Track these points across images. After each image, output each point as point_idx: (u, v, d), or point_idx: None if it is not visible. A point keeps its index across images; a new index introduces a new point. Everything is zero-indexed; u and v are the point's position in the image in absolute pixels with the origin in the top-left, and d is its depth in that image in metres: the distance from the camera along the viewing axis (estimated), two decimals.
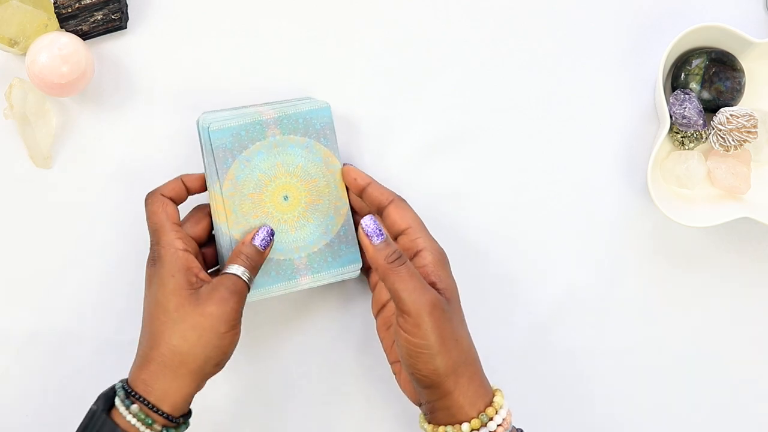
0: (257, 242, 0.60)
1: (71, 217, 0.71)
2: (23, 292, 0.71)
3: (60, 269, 0.71)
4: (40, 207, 0.70)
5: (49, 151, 0.70)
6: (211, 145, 0.62)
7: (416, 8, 0.71)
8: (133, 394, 0.56)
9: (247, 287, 0.59)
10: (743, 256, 0.71)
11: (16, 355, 0.71)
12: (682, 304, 0.71)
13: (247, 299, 0.60)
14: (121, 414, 0.55)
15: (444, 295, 0.58)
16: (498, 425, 0.56)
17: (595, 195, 0.71)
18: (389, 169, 0.71)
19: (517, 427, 0.59)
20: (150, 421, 0.55)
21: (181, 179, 0.63)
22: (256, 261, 0.60)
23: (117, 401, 0.56)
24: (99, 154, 0.71)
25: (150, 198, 0.62)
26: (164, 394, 0.56)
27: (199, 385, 0.58)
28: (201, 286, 0.58)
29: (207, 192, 0.64)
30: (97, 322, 0.71)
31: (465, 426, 0.55)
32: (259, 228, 0.61)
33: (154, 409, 0.55)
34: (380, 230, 0.57)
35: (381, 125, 0.71)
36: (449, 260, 0.61)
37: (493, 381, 0.60)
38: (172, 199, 0.62)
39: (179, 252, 0.59)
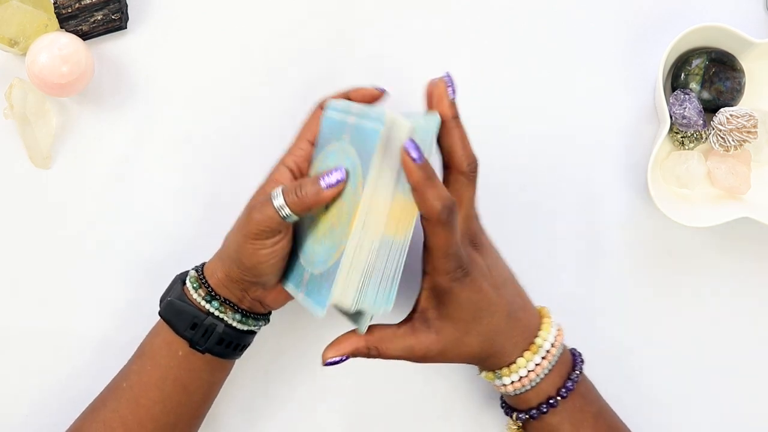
0: (323, 182, 0.54)
1: (71, 217, 0.71)
2: (23, 292, 0.71)
3: (60, 269, 0.71)
4: (39, 207, 0.71)
5: (49, 151, 0.70)
6: (320, 127, 0.61)
7: (416, 9, 0.71)
8: (200, 267, 0.62)
9: (283, 219, 0.55)
10: (743, 256, 0.71)
11: (16, 355, 0.71)
12: (682, 304, 0.71)
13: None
14: (186, 279, 0.61)
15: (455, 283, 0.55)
16: (546, 353, 0.59)
17: (595, 195, 0.71)
18: None
19: (570, 347, 0.62)
20: (197, 286, 0.60)
21: (347, 94, 0.61)
22: (309, 201, 0.54)
23: (190, 270, 0.62)
24: (99, 154, 0.71)
25: (314, 108, 0.62)
26: (211, 269, 0.61)
27: (234, 280, 0.59)
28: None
29: None
30: (97, 322, 0.71)
31: (519, 363, 0.58)
32: (336, 167, 0.55)
33: (202, 277, 0.60)
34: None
35: None
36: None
37: None
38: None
39: (282, 165, 0.60)
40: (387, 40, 0.71)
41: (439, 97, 0.56)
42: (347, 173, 0.55)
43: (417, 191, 0.51)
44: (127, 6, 0.70)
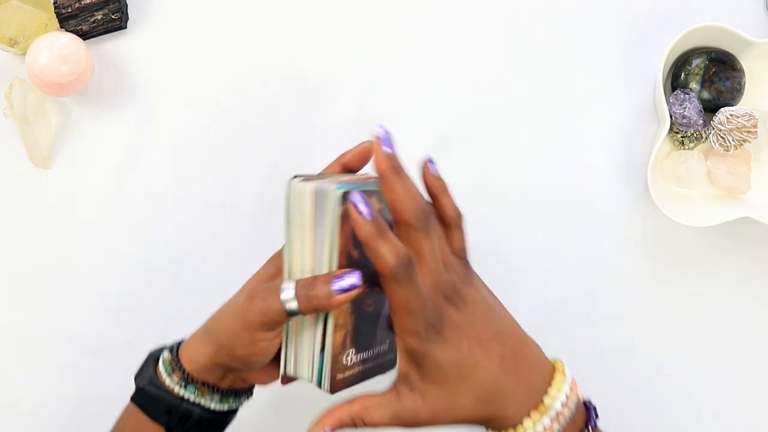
0: (335, 285, 0.50)
1: (71, 216, 0.71)
2: (23, 292, 0.71)
3: (59, 269, 0.71)
4: (39, 207, 0.71)
5: (49, 151, 0.70)
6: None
7: (416, 8, 0.71)
8: (175, 346, 0.58)
9: (286, 316, 0.51)
10: (743, 256, 0.71)
11: (16, 355, 0.71)
12: (683, 304, 0.71)
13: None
14: (159, 361, 0.57)
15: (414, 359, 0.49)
16: (557, 414, 0.50)
17: (595, 195, 0.71)
18: None
19: (585, 398, 0.54)
20: (170, 371, 0.56)
21: (339, 163, 0.58)
22: (321, 304, 0.50)
23: (164, 351, 0.58)
24: (99, 153, 0.71)
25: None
26: (188, 352, 0.56)
27: (217, 365, 0.55)
28: (268, 282, 0.55)
29: None
30: (96, 322, 0.71)
31: (526, 425, 0.50)
32: (349, 271, 0.50)
33: (176, 360, 0.56)
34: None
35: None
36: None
37: None
38: None
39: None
40: (387, 39, 0.71)
41: (371, 153, 0.52)
42: (362, 282, 0.50)
43: (369, 247, 0.46)
44: (127, 6, 0.70)
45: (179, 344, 0.57)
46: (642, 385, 0.71)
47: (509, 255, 0.71)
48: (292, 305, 0.50)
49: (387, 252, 0.46)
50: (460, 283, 0.52)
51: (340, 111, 0.71)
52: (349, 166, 0.57)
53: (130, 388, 0.72)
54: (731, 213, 0.66)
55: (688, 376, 0.71)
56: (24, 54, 0.68)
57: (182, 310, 0.71)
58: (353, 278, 0.50)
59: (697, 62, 0.67)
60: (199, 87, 0.71)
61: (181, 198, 0.71)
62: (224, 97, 0.71)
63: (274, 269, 0.57)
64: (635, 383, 0.71)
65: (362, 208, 0.47)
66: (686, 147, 0.69)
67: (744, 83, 0.68)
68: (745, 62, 0.68)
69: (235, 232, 0.71)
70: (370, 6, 0.71)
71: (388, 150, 0.49)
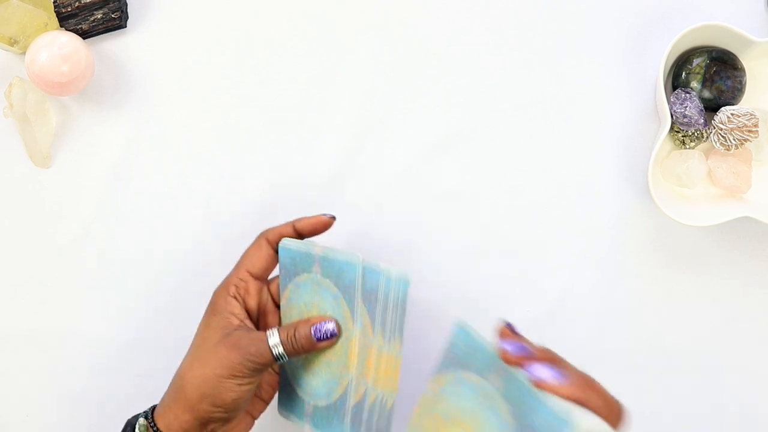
0: (313, 331, 0.56)
1: (70, 216, 0.71)
2: (22, 291, 0.71)
3: (59, 268, 0.71)
4: (39, 206, 0.70)
5: (49, 151, 0.70)
6: (263, 269, 0.61)
7: (416, 8, 0.71)
8: (150, 411, 0.59)
9: (274, 360, 0.56)
10: (744, 255, 0.71)
11: (16, 355, 0.71)
12: (682, 304, 0.71)
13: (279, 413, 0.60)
14: (136, 429, 0.58)
15: None
16: None
17: (596, 194, 0.71)
18: (390, 169, 0.71)
19: None
20: None
21: (293, 224, 0.60)
22: (302, 346, 0.56)
23: (140, 420, 0.58)
24: (99, 153, 0.71)
25: (256, 238, 0.61)
26: (164, 414, 0.57)
27: (198, 420, 0.56)
28: (238, 330, 0.57)
29: None
30: (96, 322, 0.71)
31: None
32: (326, 320, 0.56)
33: (153, 426, 0.57)
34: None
35: (381, 125, 0.71)
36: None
37: None
38: (276, 243, 0.60)
39: (229, 296, 0.59)
40: (387, 39, 0.71)
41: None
42: (338, 325, 0.56)
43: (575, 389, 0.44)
44: (126, 5, 0.70)
45: (153, 409, 0.58)
46: (642, 384, 0.71)
47: (509, 254, 0.71)
48: (280, 350, 0.55)
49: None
50: None
51: (340, 111, 0.71)
52: (300, 232, 0.60)
53: (130, 388, 0.72)
54: (732, 212, 0.66)
55: (688, 375, 0.71)
56: (24, 53, 0.68)
57: (182, 309, 0.71)
58: (330, 325, 0.56)
59: (698, 61, 0.67)
60: (199, 86, 0.71)
61: (181, 197, 0.71)
62: (224, 96, 0.71)
63: (228, 315, 0.58)
64: (635, 383, 0.71)
65: (509, 347, 0.46)
66: (687, 146, 0.69)
67: (745, 82, 0.68)
68: (746, 61, 0.68)
69: (235, 232, 0.71)
70: (371, 6, 0.71)
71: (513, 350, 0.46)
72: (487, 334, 0.49)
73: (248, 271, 0.60)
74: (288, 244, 0.60)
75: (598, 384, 0.46)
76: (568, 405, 0.43)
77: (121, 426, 0.60)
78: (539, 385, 0.44)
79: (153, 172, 0.71)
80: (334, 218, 0.60)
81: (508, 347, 0.46)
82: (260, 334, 0.56)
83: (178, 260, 0.71)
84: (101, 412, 0.71)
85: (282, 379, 0.62)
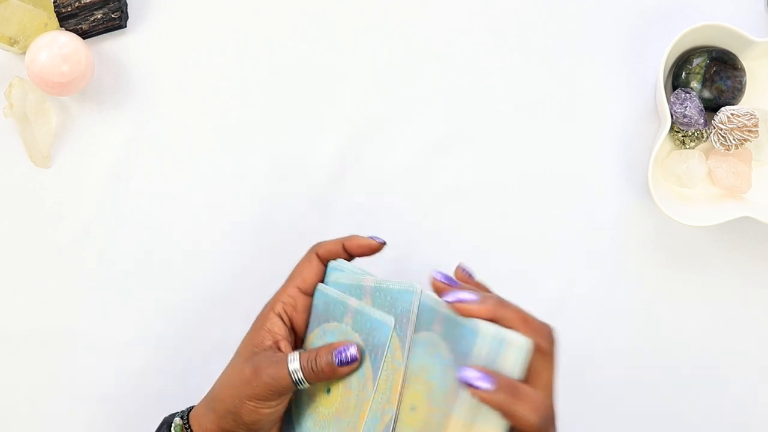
0: (335, 357, 0.53)
1: (70, 216, 0.71)
2: (22, 291, 0.71)
3: (60, 268, 0.71)
4: (39, 206, 0.70)
5: (49, 151, 0.70)
6: (313, 301, 0.59)
7: (416, 8, 0.71)
8: (186, 413, 0.59)
9: (294, 386, 0.54)
10: (744, 255, 0.71)
11: (16, 355, 0.71)
12: (683, 304, 0.71)
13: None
14: (172, 427, 0.58)
15: None
16: None
17: (596, 194, 0.71)
18: (390, 169, 0.71)
19: None
20: None
21: (342, 242, 0.58)
22: (323, 373, 0.53)
23: (176, 419, 0.58)
24: (99, 153, 0.71)
25: (307, 251, 0.60)
26: (198, 418, 0.57)
27: (225, 430, 0.56)
28: (266, 351, 0.56)
29: None
30: (97, 322, 0.71)
31: None
32: (347, 344, 0.53)
33: (187, 427, 0.57)
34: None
35: (381, 125, 0.71)
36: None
37: None
38: (326, 260, 0.59)
39: (273, 313, 0.58)
40: (387, 39, 0.71)
41: (468, 312, 0.47)
42: (362, 354, 0.53)
43: (505, 414, 0.44)
44: (126, 5, 0.70)
45: (190, 410, 0.58)
46: (642, 384, 0.71)
47: (509, 254, 0.71)
48: (300, 375, 0.53)
49: (528, 412, 0.44)
50: None
51: (340, 111, 0.71)
52: (348, 251, 0.58)
53: (130, 388, 0.72)
54: (732, 212, 0.66)
55: (688, 375, 0.71)
56: (24, 53, 0.68)
57: (182, 309, 0.71)
58: (352, 350, 0.53)
59: (698, 61, 0.67)
60: (199, 86, 0.71)
61: (181, 197, 0.71)
62: (224, 96, 0.71)
63: (264, 333, 0.57)
64: (635, 383, 0.71)
65: (480, 383, 0.44)
66: (687, 146, 0.69)
67: (745, 82, 0.68)
68: (746, 61, 0.68)
69: (235, 232, 0.71)
70: (371, 6, 0.71)
71: (474, 299, 0.47)
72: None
73: (298, 287, 0.59)
74: (324, 289, 0.58)
75: (516, 305, 0.48)
76: (497, 327, 0.45)
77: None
78: (457, 307, 0.46)
79: (153, 172, 0.71)
80: (384, 243, 0.58)
81: (437, 275, 0.49)
82: (282, 357, 0.54)
83: (178, 260, 0.71)
84: (101, 412, 0.71)
85: (287, 416, 0.59)
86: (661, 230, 0.71)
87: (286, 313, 0.58)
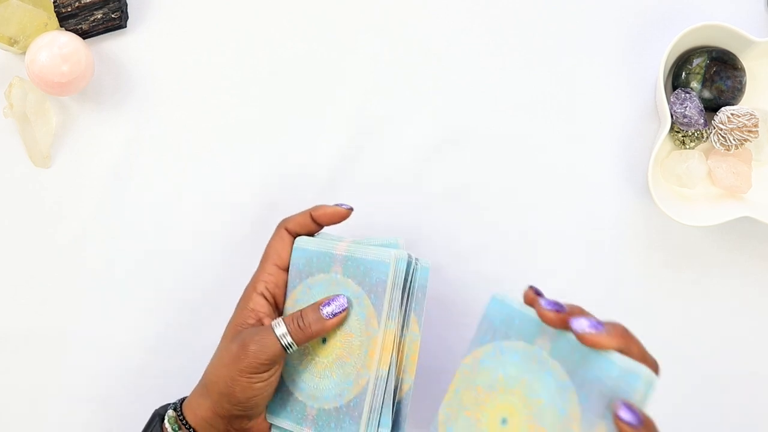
0: (325, 311, 0.55)
1: (70, 216, 0.71)
2: (22, 291, 0.71)
3: (59, 268, 0.71)
4: (39, 206, 0.70)
5: (49, 151, 0.70)
6: (290, 261, 0.60)
7: (416, 8, 0.71)
8: (179, 403, 0.59)
9: (284, 351, 0.55)
10: (744, 255, 0.71)
11: (16, 355, 0.71)
12: (683, 303, 0.71)
13: (266, 419, 0.59)
14: (165, 419, 0.58)
15: None
16: None
17: (596, 194, 0.71)
18: (390, 169, 0.71)
19: None
20: (177, 428, 0.57)
21: (309, 213, 0.59)
22: (313, 330, 0.55)
23: (169, 411, 0.58)
24: (99, 153, 0.71)
25: (276, 228, 0.60)
26: (192, 407, 0.58)
27: (220, 417, 0.56)
28: (250, 328, 0.57)
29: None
30: (96, 322, 0.71)
31: None
32: (335, 296, 0.55)
33: (181, 417, 0.57)
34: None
35: (381, 125, 0.71)
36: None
37: None
38: (296, 234, 0.60)
39: (255, 293, 0.59)
40: (387, 39, 0.71)
41: (595, 343, 0.46)
42: (349, 302, 0.55)
43: None
44: (126, 5, 0.70)
45: (182, 401, 0.59)
46: None
47: (509, 254, 0.71)
48: (288, 339, 0.54)
49: None
50: None
51: (340, 111, 0.71)
52: (317, 221, 0.59)
53: (130, 387, 0.72)
54: (732, 212, 0.66)
55: (688, 375, 0.71)
56: (24, 53, 0.68)
57: (182, 309, 0.71)
58: (341, 299, 0.54)
59: (698, 61, 0.67)
60: (199, 86, 0.71)
61: (181, 197, 0.71)
62: (224, 96, 0.71)
63: (247, 312, 0.58)
64: None
65: (634, 421, 0.43)
66: (687, 146, 0.69)
67: (745, 82, 0.68)
68: (746, 61, 0.68)
69: (235, 232, 0.71)
70: (371, 6, 0.71)
71: (561, 309, 0.47)
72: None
73: (276, 265, 0.59)
74: (304, 244, 0.59)
75: (632, 333, 0.47)
76: (627, 359, 0.44)
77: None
78: (582, 338, 0.45)
79: (153, 172, 0.71)
80: (351, 209, 0.59)
81: (545, 304, 0.47)
82: (267, 327, 0.56)
83: (178, 260, 0.71)
84: (101, 412, 0.71)
85: (281, 387, 0.60)
86: (661, 230, 0.70)
87: (268, 290, 0.59)
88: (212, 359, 0.58)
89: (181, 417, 0.57)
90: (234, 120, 0.71)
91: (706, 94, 0.67)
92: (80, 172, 0.71)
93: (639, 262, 0.71)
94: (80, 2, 0.68)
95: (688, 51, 0.68)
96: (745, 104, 0.68)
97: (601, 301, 0.71)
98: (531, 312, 0.49)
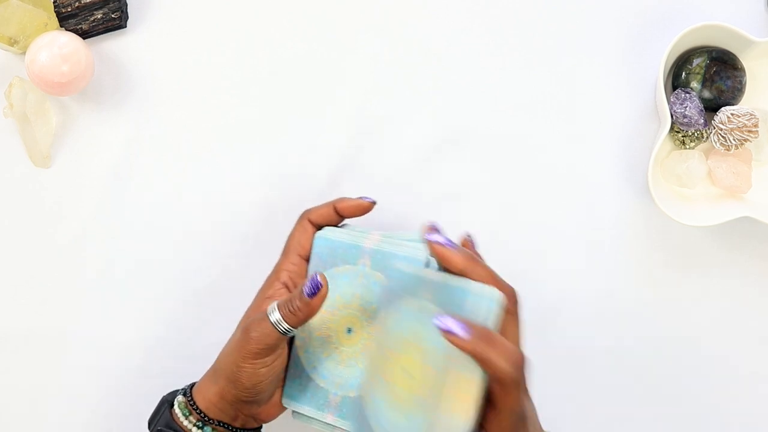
0: (304, 290, 0.54)
1: (70, 216, 0.71)
2: (22, 291, 0.71)
3: (59, 269, 0.71)
4: (39, 206, 0.70)
5: (49, 151, 0.70)
6: (312, 249, 0.60)
7: (416, 8, 0.71)
8: (188, 389, 0.59)
9: (282, 334, 0.55)
10: (744, 255, 0.71)
11: (16, 355, 0.71)
12: (682, 304, 0.71)
13: (283, 404, 0.59)
14: (175, 404, 0.58)
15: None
16: None
17: (596, 194, 0.71)
18: (390, 169, 0.71)
19: None
20: (187, 413, 0.57)
21: (333, 205, 0.59)
22: (304, 313, 0.54)
23: (178, 395, 0.59)
24: (99, 153, 0.71)
25: (299, 219, 0.60)
26: (201, 391, 0.58)
27: (228, 402, 0.57)
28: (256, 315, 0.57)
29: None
30: (96, 322, 0.71)
31: None
32: (312, 276, 0.55)
33: (191, 402, 0.58)
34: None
35: (381, 125, 0.71)
36: None
37: None
38: (319, 225, 0.60)
39: (278, 282, 0.59)
40: (388, 39, 0.71)
41: (442, 255, 0.51)
42: (325, 279, 0.54)
43: (480, 361, 0.46)
44: (126, 5, 0.70)
45: (191, 387, 0.59)
46: (641, 384, 0.71)
47: (509, 254, 0.71)
48: (284, 325, 0.54)
49: (500, 358, 0.46)
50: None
51: (340, 111, 0.71)
52: (340, 214, 0.60)
53: (130, 387, 0.72)
54: (732, 212, 0.66)
55: (688, 375, 0.71)
56: (24, 53, 0.68)
57: (182, 309, 0.71)
58: (316, 279, 0.54)
59: (698, 61, 0.67)
60: (199, 86, 0.71)
61: (181, 197, 0.71)
62: (224, 96, 0.71)
63: (267, 303, 0.58)
64: (634, 383, 0.71)
65: (457, 329, 0.46)
66: (687, 146, 0.69)
67: (745, 82, 0.68)
68: (746, 61, 0.68)
69: (235, 232, 0.71)
70: (371, 6, 0.71)
71: (451, 245, 0.51)
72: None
73: (299, 255, 0.59)
74: (328, 234, 0.59)
75: (486, 264, 0.51)
76: (478, 283, 0.49)
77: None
78: (434, 247, 0.50)
79: (153, 172, 0.71)
80: (374, 202, 0.59)
81: (431, 222, 0.51)
82: (264, 318, 0.55)
83: (178, 260, 0.71)
84: (101, 412, 0.71)
85: (293, 370, 0.60)
86: (661, 230, 0.70)
87: (292, 281, 0.59)
88: (225, 346, 0.58)
89: (191, 401, 0.58)
90: (234, 120, 0.71)
91: (706, 94, 0.67)
92: (80, 172, 0.71)
93: (639, 262, 0.71)
94: (80, 2, 0.68)
95: (688, 51, 0.68)
96: (745, 104, 0.68)
97: (601, 301, 0.71)
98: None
